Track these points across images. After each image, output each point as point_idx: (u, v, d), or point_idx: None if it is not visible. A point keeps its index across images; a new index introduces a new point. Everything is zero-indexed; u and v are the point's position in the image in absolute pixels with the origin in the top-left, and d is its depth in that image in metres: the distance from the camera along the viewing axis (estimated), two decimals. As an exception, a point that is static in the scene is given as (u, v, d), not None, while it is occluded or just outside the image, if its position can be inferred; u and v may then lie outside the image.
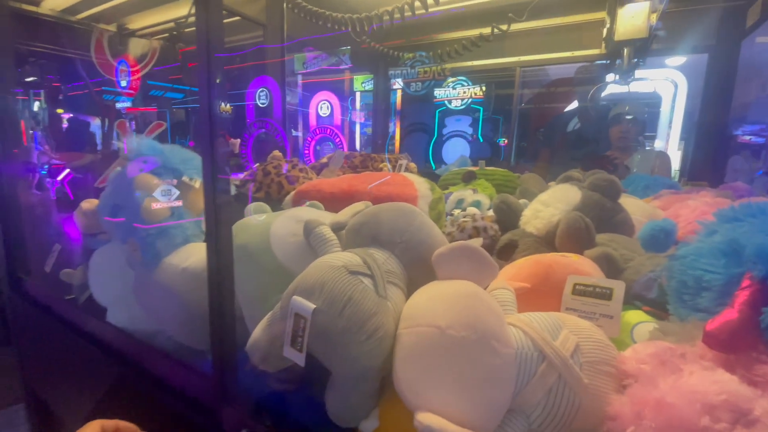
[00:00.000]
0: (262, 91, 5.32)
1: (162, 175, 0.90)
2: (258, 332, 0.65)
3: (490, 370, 0.52)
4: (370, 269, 0.63)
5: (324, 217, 0.81)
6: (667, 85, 3.65)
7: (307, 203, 0.95)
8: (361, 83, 5.40)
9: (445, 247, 0.66)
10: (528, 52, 3.50)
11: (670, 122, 3.69)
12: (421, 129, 4.97)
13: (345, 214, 0.81)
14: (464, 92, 4.63)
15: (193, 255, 0.87)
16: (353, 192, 1.06)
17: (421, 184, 1.10)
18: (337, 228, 0.77)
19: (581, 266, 0.78)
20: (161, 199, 0.91)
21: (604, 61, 2.81)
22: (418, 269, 0.71)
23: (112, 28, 4.00)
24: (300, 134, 5.23)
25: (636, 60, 2.37)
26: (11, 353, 1.61)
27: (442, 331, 0.53)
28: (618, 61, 2.46)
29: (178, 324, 0.86)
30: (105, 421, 0.58)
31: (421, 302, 0.60)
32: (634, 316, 0.75)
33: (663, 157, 2.51)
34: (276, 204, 1.22)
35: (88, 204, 1.05)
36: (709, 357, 0.54)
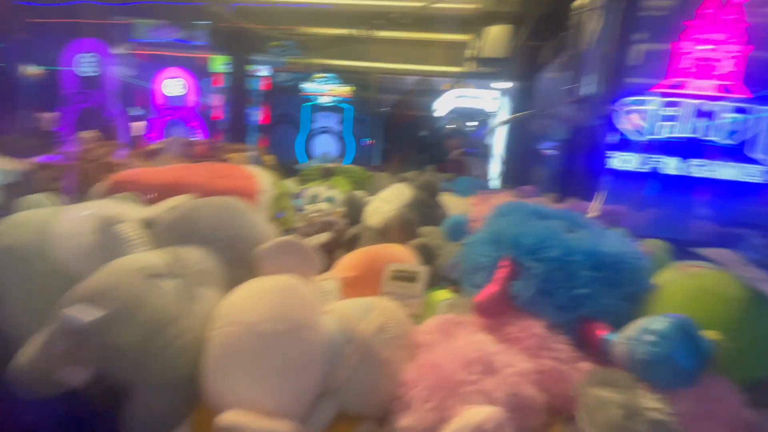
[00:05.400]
0: (87, 56, 4.28)
1: None
2: (29, 351, 0.53)
3: (297, 359, 0.54)
4: (176, 271, 0.58)
5: (133, 212, 0.71)
6: (495, 102, 4.43)
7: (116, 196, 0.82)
8: (221, 65, 4.91)
9: (265, 244, 0.66)
10: (390, 60, 3.81)
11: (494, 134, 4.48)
12: (287, 120, 4.80)
13: (160, 208, 0.73)
14: (332, 89, 4.68)
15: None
16: (182, 185, 0.95)
17: (263, 178, 1.07)
18: (148, 225, 0.69)
19: (400, 255, 0.89)
20: None
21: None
22: (242, 268, 0.68)
23: None
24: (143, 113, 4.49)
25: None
26: None
27: (249, 327, 0.53)
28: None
29: None
30: None
31: (234, 301, 0.59)
32: (443, 294, 0.89)
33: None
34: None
35: None
36: (478, 324, 0.68)
